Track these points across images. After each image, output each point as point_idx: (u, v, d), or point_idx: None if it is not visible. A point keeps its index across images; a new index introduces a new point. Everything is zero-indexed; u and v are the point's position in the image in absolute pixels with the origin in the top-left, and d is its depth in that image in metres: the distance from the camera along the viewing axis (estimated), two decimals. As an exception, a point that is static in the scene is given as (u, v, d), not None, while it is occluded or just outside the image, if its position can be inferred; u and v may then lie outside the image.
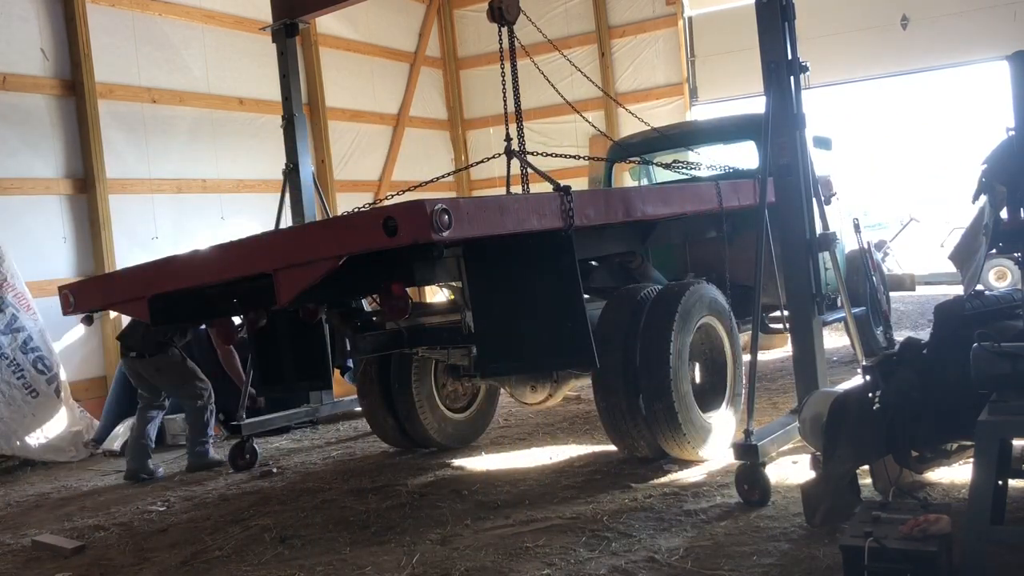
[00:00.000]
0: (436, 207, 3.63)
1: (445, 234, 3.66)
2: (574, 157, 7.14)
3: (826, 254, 5.15)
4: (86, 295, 5.20)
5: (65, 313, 5.26)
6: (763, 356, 8.78)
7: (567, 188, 4.40)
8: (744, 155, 7.75)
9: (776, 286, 5.41)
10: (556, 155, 6.35)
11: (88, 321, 5.55)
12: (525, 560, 4.02)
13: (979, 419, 3.23)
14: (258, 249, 4.34)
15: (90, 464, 7.66)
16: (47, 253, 8.52)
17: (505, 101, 5.65)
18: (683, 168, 7.29)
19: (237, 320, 5.64)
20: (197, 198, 9.98)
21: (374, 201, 9.88)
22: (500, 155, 6.00)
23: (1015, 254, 7.95)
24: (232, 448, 6.83)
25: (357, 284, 4.70)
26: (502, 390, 6.25)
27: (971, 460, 3.37)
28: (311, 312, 5.45)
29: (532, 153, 5.77)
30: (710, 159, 7.64)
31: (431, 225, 3.60)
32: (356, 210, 5.28)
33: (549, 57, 6.74)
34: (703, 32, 12.75)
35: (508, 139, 5.80)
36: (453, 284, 5.13)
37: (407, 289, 4.62)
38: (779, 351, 9.23)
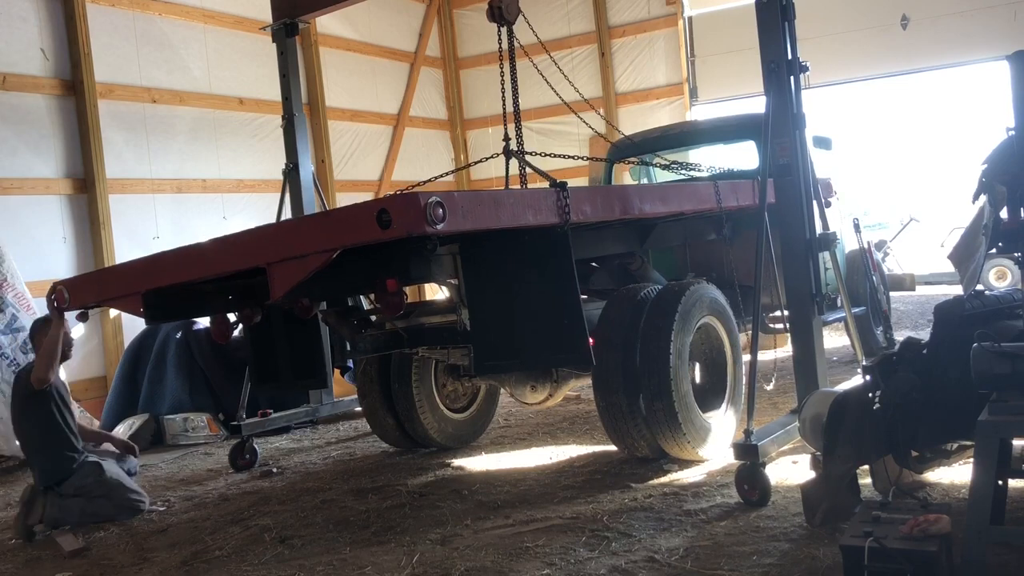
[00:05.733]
0: (430, 200, 3.63)
1: (439, 227, 3.66)
2: (573, 157, 7.12)
3: (826, 254, 5.15)
4: (81, 290, 5.18)
5: (60, 309, 5.23)
6: (763, 356, 8.77)
7: (563, 184, 4.40)
8: (744, 155, 7.76)
9: (776, 286, 5.41)
10: (554, 155, 6.34)
11: (83, 317, 5.52)
12: (525, 560, 4.02)
13: (979, 419, 3.23)
14: (252, 242, 4.31)
15: (90, 464, 7.64)
16: (47, 253, 8.51)
17: (504, 101, 5.65)
18: (683, 169, 7.29)
19: (232, 317, 5.63)
20: (197, 198, 9.98)
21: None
22: (499, 155, 6.00)
23: (1015, 254, 7.96)
24: (232, 448, 6.83)
25: (352, 280, 4.69)
26: (502, 390, 6.26)
27: (971, 460, 3.37)
28: (305, 308, 5.44)
29: (531, 153, 5.77)
30: (710, 159, 7.64)
31: (425, 218, 3.60)
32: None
33: (550, 57, 6.75)
34: (703, 32, 12.75)
35: (507, 139, 5.80)
36: (450, 282, 5.13)
37: (403, 287, 4.61)
38: (779, 351, 9.21)
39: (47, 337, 5.38)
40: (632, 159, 7.73)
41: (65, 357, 5.62)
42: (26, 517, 5.36)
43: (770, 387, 6.32)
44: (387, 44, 13.12)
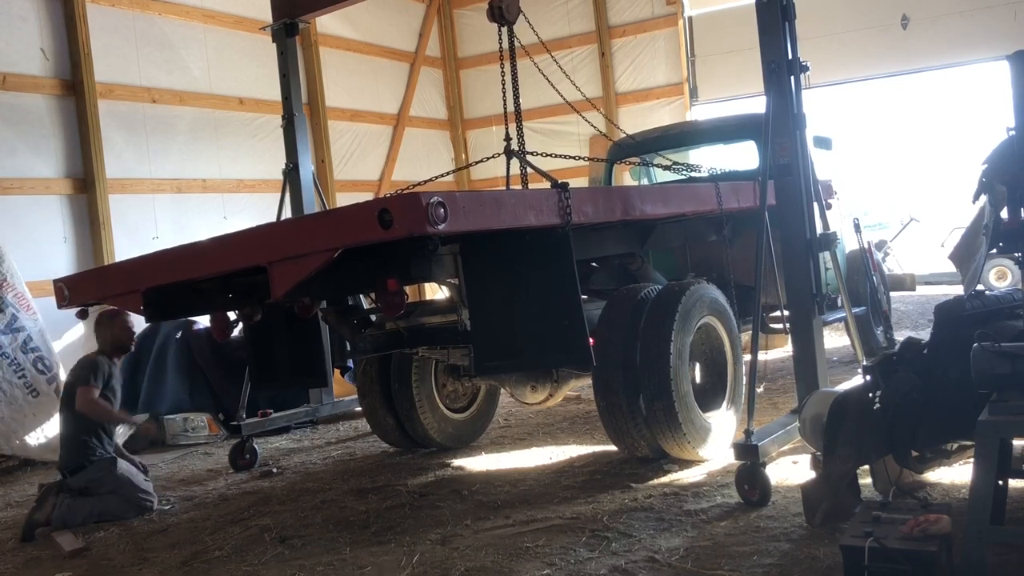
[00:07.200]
0: (432, 200, 3.63)
1: (440, 227, 3.66)
2: (573, 157, 7.12)
3: (826, 254, 5.15)
4: (81, 288, 5.19)
5: (60, 306, 5.25)
6: (763, 356, 8.77)
7: (564, 184, 4.40)
8: (744, 155, 7.75)
9: (776, 286, 5.41)
10: (555, 155, 6.35)
11: (83, 315, 5.54)
12: (525, 560, 4.02)
13: (979, 419, 3.23)
14: (253, 241, 4.32)
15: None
16: (47, 253, 8.51)
17: (505, 101, 5.65)
18: (683, 169, 7.29)
19: (232, 315, 5.63)
20: (197, 198, 9.98)
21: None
22: (500, 155, 5.99)
23: (1015, 254, 7.96)
24: (232, 448, 6.83)
25: (352, 280, 4.69)
26: (502, 390, 6.26)
27: (971, 460, 3.37)
28: (306, 307, 5.45)
29: (532, 153, 5.77)
30: (710, 159, 7.64)
31: (426, 218, 3.60)
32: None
33: (550, 57, 6.75)
34: (703, 32, 12.75)
35: (508, 139, 5.80)
36: (451, 282, 5.13)
37: (404, 286, 4.61)
38: (779, 351, 9.22)
39: (100, 408, 5.51)
40: (632, 159, 7.73)
41: (126, 350, 5.88)
42: (33, 512, 5.39)
43: (760, 389, 6.30)
44: (387, 44, 13.12)
